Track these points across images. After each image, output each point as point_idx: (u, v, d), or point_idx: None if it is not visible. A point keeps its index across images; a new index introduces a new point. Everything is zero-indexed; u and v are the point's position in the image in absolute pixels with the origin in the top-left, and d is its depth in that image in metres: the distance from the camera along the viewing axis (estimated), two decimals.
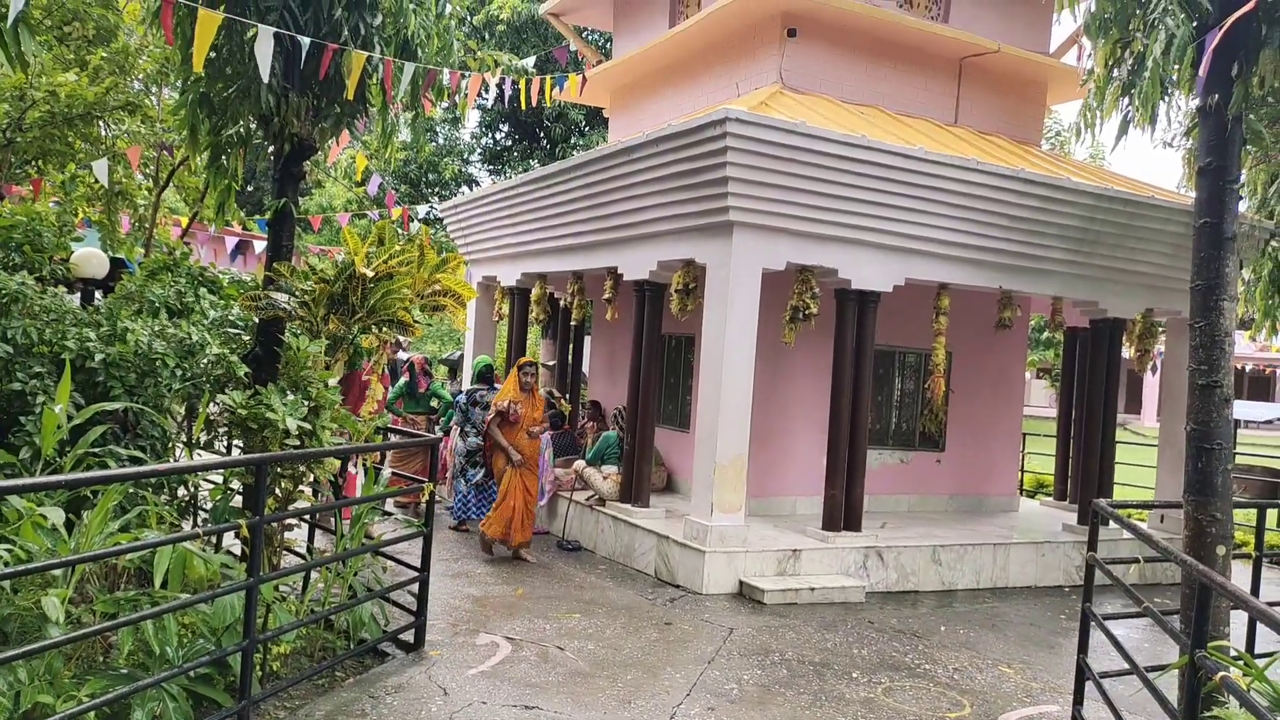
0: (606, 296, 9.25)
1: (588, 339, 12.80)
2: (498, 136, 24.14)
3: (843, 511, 7.95)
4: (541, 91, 8.14)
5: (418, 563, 5.61)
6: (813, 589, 7.27)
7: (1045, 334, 27.54)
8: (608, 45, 15.48)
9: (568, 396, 11.45)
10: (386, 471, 5.85)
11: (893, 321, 9.35)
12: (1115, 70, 5.46)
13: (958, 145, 8.87)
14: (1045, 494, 12.94)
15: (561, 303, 11.23)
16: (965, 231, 8.13)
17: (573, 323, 10.94)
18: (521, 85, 7.79)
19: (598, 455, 9.10)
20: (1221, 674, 3.26)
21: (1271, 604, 5.93)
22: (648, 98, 11.40)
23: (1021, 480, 12.23)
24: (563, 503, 9.08)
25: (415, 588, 5.60)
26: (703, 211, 7.56)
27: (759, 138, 7.03)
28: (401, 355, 11.13)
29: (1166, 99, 5.42)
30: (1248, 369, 35.68)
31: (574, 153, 20.74)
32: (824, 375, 8.64)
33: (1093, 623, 4.91)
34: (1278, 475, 12.40)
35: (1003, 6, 10.33)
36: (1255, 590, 5.94)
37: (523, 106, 7.34)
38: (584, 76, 8.88)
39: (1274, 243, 11.10)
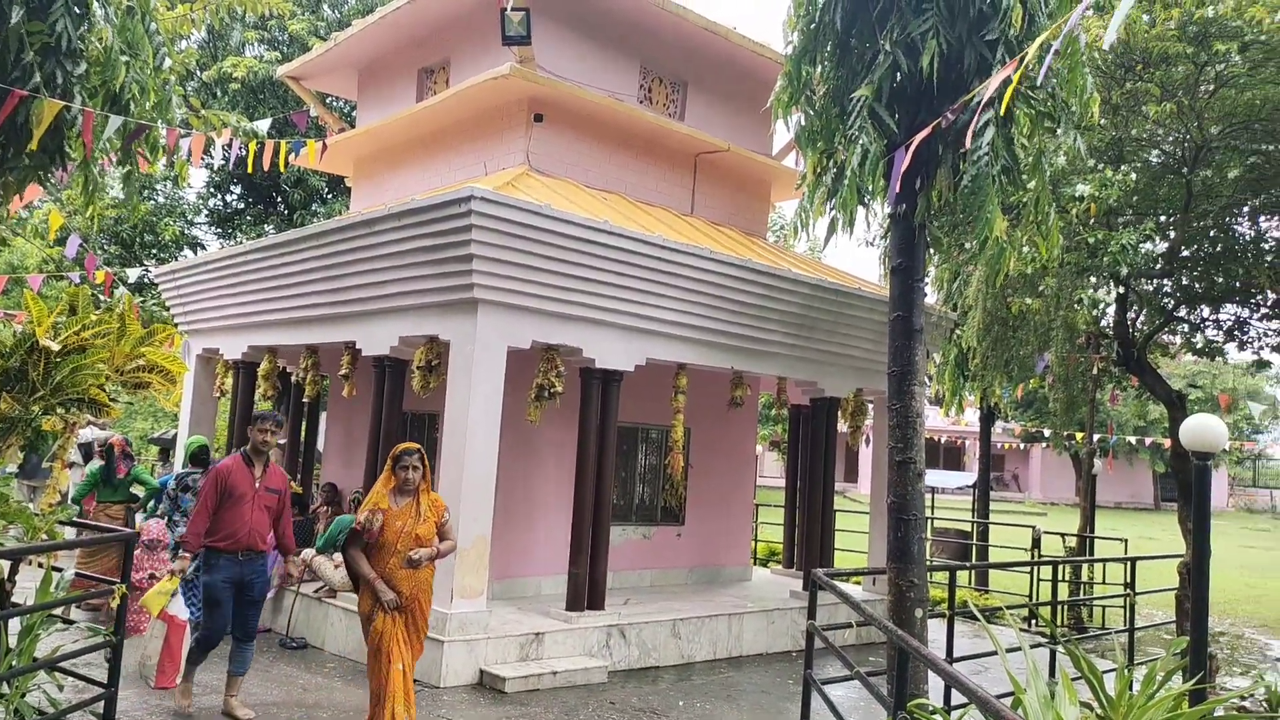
0: (343, 372, 8.81)
1: (324, 416, 12.09)
2: (229, 198, 22.63)
3: (586, 590, 7.94)
4: (276, 155, 7.75)
5: (105, 677, 4.89)
6: (555, 673, 7.15)
7: (773, 410, 29.59)
8: (353, 113, 15.13)
9: (299, 478, 10.70)
10: (69, 572, 5.08)
11: (636, 399, 9.63)
12: (823, 177, 6.07)
13: (693, 234, 9.44)
14: (776, 562, 13.72)
15: (294, 378, 10.54)
16: (700, 315, 8.59)
17: (306, 400, 10.29)
18: (251, 148, 7.37)
19: (329, 542, 8.48)
20: None
21: (962, 658, 6.61)
22: (393, 170, 11.19)
23: (755, 550, 12.91)
24: (288, 596, 8.37)
25: (101, 707, 4.87)
26: (447, 288, 7.45)
27: (504, 217, 7.08)
28: (86, 435, 9.79)
29: (865, 206, 6.09)
30: (942, 441, 40.36)
31: (314, 220, 19.87)
32: (569, 453, 8.70)
33: (814, 688, 5.20)
34: (968, 536, 13.99)
35: (732, 110, 11.26)
36: (950, 644, 6.59)
37: (249, 170, 6.93)
38: (324, 143, 8.57)
39: (958, 331, 12.73)
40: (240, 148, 7.47)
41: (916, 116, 5.70)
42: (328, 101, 17.98)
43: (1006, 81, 4.79)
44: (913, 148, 4.98)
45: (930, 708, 5.11)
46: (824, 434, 10.31)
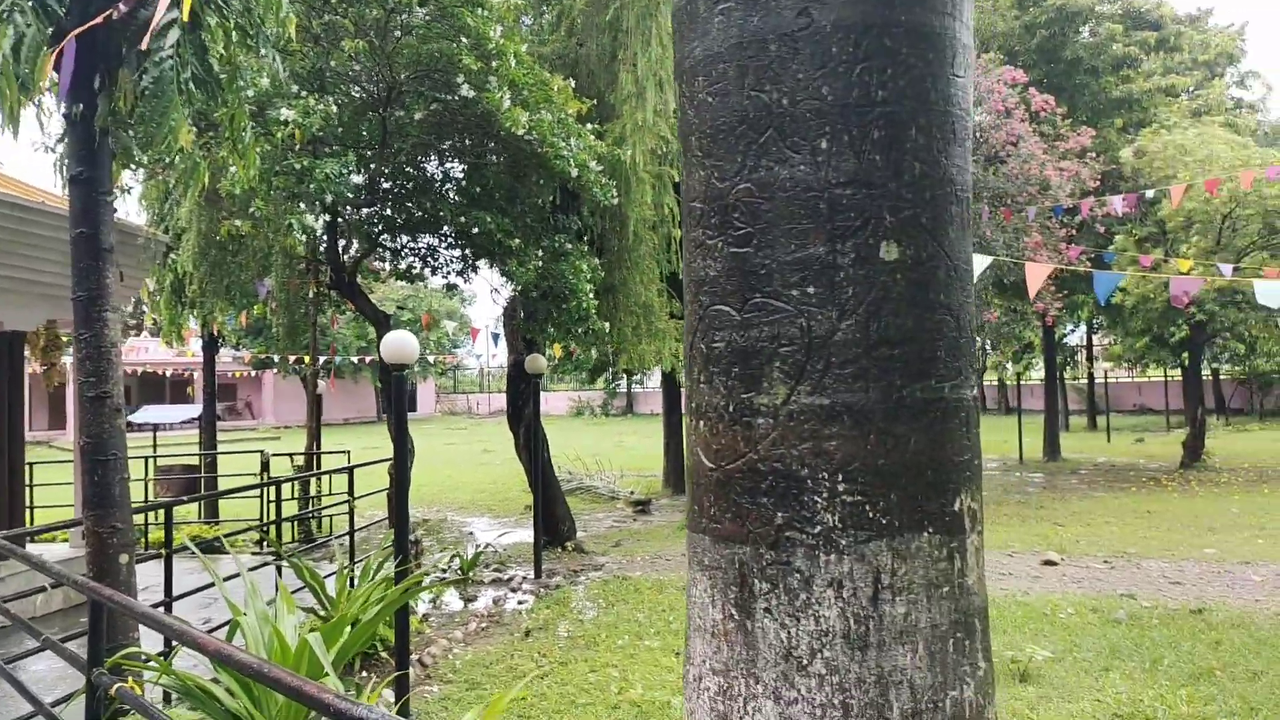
0: None
1: None
2: None
3: None
4: None
5: None
6: None
7: None
8: None
9: None
10: None
11: None
12: None
13: None
14: None
15: None
16: None
17: None
18: None
19: None
20: (117, 686, 3.25)
21: (184, 595, 6.34)
22: None
23: None
24: None
25: None
26: None
27: None
28: None
29: (32, 101, 5.14)
30: (169, 374, 37.92)
31: None
32: None
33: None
34: (195, 470, 13.46)
35: None
36: (169, 584, 6.25)
37: None
38: None
39: (173, 255, 11.93)
40: None
41: (91, 4, 4.98)
42: None
43: None
44: (72, 35, 4.34)
45: (144, 656, 4.79)
46: (7, 374, 8.69)
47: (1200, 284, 12.51)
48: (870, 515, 1.95)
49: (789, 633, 1.95)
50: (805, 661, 1.92)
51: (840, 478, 1.96)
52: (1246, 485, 15.81)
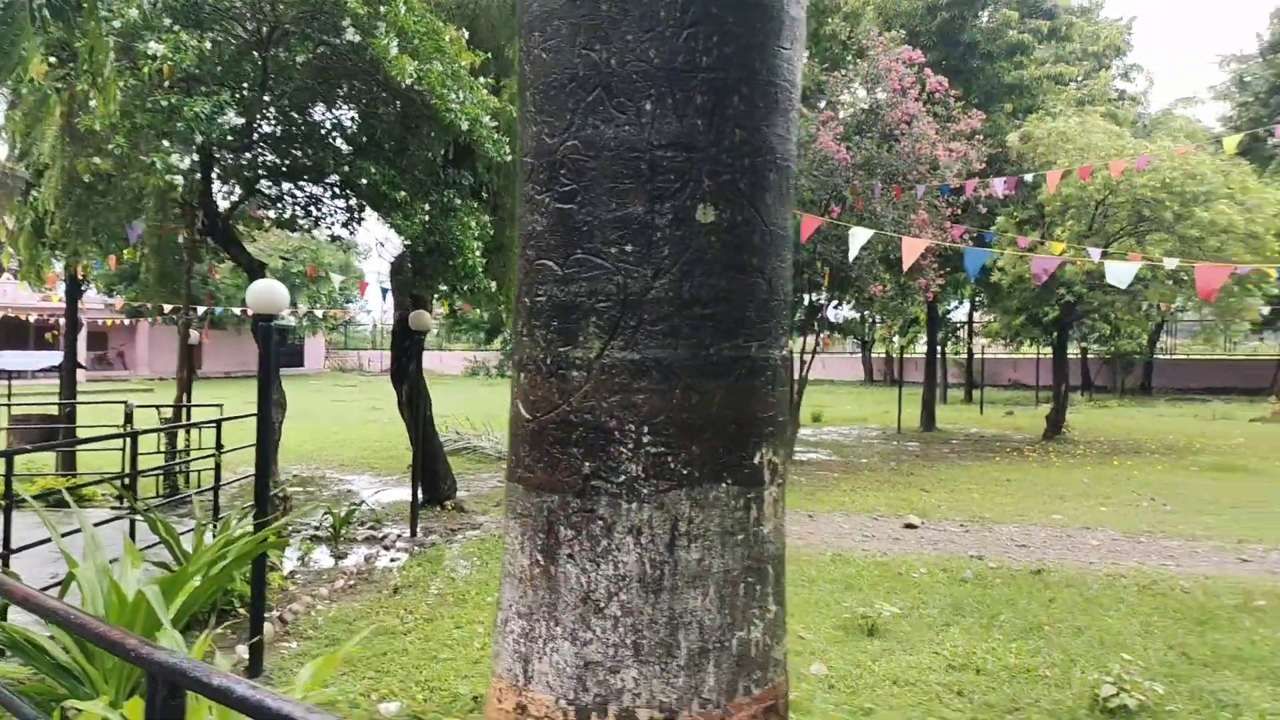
0: None
1: None
2: None
3: None
4: None
5: None
6: None
7: None
8: None
9: None
10: None
11: None
12: None
13: None
14: None
15: None
16: None
17: None
18: None
19: None
20: None
21: (24, 548, 6.08)
22: None
23: None
24: None
25: None
26: None
27: None
28: None
29: None
30: (33, 320, 35.63)
31: None
32: None
33: None
34: (54, 420, 12.80)
35: None
36: (7, 538, 5.98)
37: None
38: None
39: (35, 192, 11.22)
40: None
41: None
42: None
43: None
44: None
45: None
46: None
47: (1058, 262, 13.21)
48: (672, 466, 2.04)
49: (589, 577, 2.02)
50: (602, 604, 2.01)
51: (646, 430, 2.04)
52: (1099, 458, 16.89)
